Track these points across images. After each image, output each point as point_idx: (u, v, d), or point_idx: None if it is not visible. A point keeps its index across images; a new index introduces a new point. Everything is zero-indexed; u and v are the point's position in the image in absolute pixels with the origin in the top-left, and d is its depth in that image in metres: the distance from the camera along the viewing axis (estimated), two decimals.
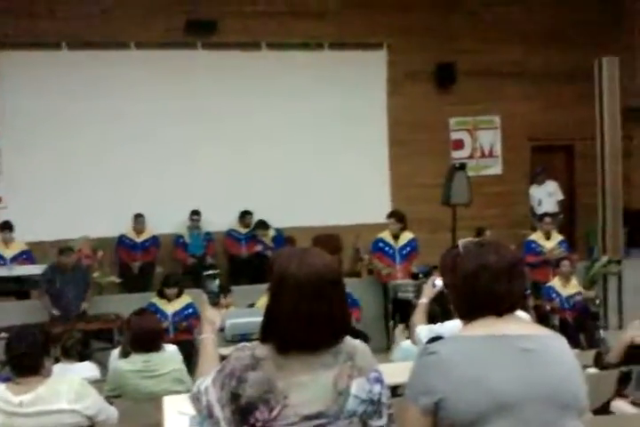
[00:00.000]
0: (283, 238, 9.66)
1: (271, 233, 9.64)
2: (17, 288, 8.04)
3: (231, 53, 9.80)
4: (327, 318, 1.72)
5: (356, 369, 1.75)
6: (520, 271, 1.82)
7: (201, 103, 9.68)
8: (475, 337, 1.75)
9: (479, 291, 1.78)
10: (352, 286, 7.68)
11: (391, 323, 7.67)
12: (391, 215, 8.12)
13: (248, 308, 6.63)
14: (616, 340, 4.49)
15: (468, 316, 1.82)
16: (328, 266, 1.77)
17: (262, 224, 9.55)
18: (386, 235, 8.02)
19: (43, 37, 9.14)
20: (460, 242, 1.88)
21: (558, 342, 1.80)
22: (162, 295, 7.28)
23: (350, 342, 1.81)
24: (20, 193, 9.17)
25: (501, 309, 1.78)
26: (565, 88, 10.53)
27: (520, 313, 3.77)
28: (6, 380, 3.45)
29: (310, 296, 1.71)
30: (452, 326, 2.99)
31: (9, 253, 8.35)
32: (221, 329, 6.17)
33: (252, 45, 9.85)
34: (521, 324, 1.80)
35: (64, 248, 7.77)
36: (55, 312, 7.48)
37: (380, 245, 8.02)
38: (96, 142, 9.39)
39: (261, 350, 1.75)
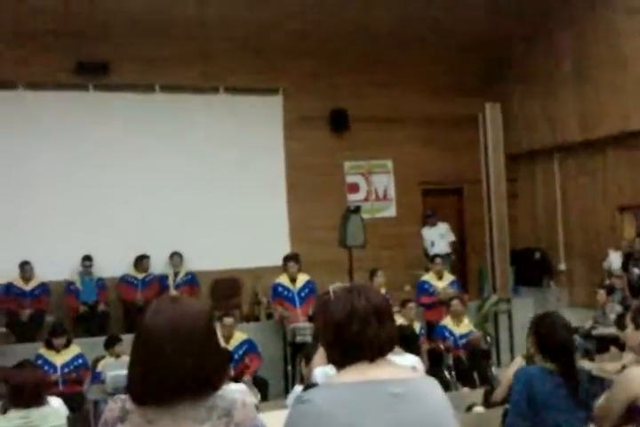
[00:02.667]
0: (194, 278, 9.50)
1: (184, 269, 9.46)
2: None
3: (124, 95, 9.70)
4: (183, 372, 1.66)
5: (233, 425, 1.71)
6: (388, 315, 1.86)
7: (93, 146, 9.50)
8: (347, 384, 1.76)
9: (348, 337, 1.79)
10: (251, 330, 7.66)
11: (289, 367, 7.62)
12: (291, 258, 8.15)
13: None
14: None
15: (341, 362, 1.84)
16: (187, 317, 1.70)
17: (177, 255, 9.44)
18: (283, 279, 8.02)
19: None
20: (331, 287, 1.91)
21: (429, 384, 1.84)
22: (50, 346, 6.96)
23: (229, 395, 1.75)
24: None
25: (372, 354, 1.80)
26: (453, 134, 11.06)
27: (410, 356, 3.84)
28: None
29: (162, 349, 1.65)
30: None
31: None
32: (102, 381, 5.91)
33: (146, 87, 9.80)
34: (392, 368, 1.83)
35: None
36: None
37: (279, 289, 8.00)
38: None
39: (131, 402, 1.70)
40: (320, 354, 3.66)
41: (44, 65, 9.22)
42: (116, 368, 5.58)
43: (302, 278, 8.05)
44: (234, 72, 10.08)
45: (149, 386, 1.66)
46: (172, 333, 1.67)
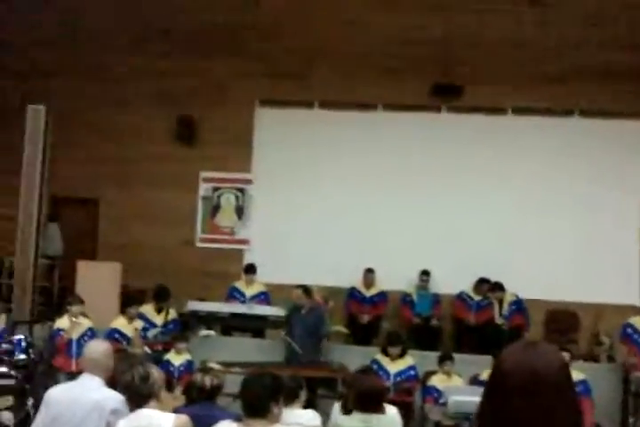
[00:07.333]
0: (522, 305, 9.13)
1: (509, 298, 9.15)
2: (254, 326, 8.52)
3: (475, 117, 9.81)
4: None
5: None
6: None
7: (441, 166, 9.78)
8: None
9: None
10: (588, 371, 7.07)
11: (631, 420, 6.87)
12: None
13: (469, 386, 6.36)
14: None
15: None
16: (549, 367, 1.52)
17: (498, 286, 9.08)
18: (637, 321, 7.27)
19: (297, 96, 9.92)
20: None
21: None
22: (386, 353, 7.27)
23: None
24: (265, 237, 9.97)
25: None
26: None
27: None
28: (237, 418, 3.58)
29: (519, 401, 1.49)
30: None
31: (250, 292, 8.94)
32: (443, 403, 5.94)
33: (497, 110, 9.80)
34: None
35: (307, 288, 7.75)
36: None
37: (629, 331, 7.27)
38: (338, 197, 9.88)
39: None
40: None
41: (402, 87, 9.73)
42: (459, 392, 5.62)
43: None
44: (588, 94, 9.53)
45: None
46: (522, 383, 1.50)
